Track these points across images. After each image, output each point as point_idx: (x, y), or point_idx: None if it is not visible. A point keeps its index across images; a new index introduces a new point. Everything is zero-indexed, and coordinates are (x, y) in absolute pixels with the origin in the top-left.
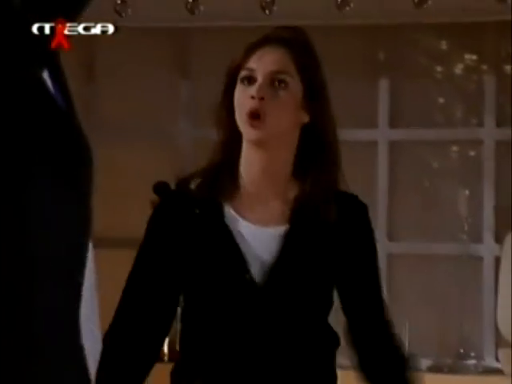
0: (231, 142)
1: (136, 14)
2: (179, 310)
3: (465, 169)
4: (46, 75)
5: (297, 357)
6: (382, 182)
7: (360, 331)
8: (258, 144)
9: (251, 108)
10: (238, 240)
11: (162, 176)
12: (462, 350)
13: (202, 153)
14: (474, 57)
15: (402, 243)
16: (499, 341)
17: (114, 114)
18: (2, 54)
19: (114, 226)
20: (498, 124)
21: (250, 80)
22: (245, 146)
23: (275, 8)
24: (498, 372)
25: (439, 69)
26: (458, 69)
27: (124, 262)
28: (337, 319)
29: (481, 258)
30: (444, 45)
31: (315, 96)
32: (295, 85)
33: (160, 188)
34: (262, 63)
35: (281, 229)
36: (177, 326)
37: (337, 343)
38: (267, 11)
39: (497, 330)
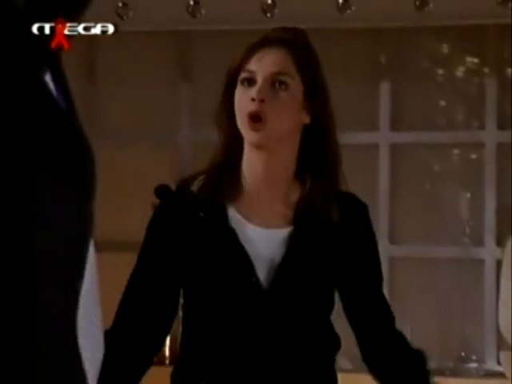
0: (232, 144)
1: (137, 17)
2: (180, 311)
3: (466, 172)
4: (47, 77)
5: (300, 358)
6: (383, 185)
7: (366, 330)
8: (260, 146)
9: (251, 110)
10: (244, 242)
11: (163, 179)
12: (463, 353)
13: (204, 155)
14: (476, 60)
15: (403, 246)
16: (501, 344)
17: (114, 117)
18: (5, 55)
19: (114, 229)
20: (500, 127)
21: (250, 82)
22: (246, 147)
23: (276, 11)
24: (499, 375)
25: (440, 72)
26: (460, 72)
27: (125, 265)
28: (336, 319)
29: (482, 261)
30: (445, 48)
31: (316, 96)
32: (296, 86)
33: (161, 191)
34: (262, 65)
35: (285, 231)
36: (178, 328)
37: (338, 344)
38: (268, 14)
39: (498, 332)
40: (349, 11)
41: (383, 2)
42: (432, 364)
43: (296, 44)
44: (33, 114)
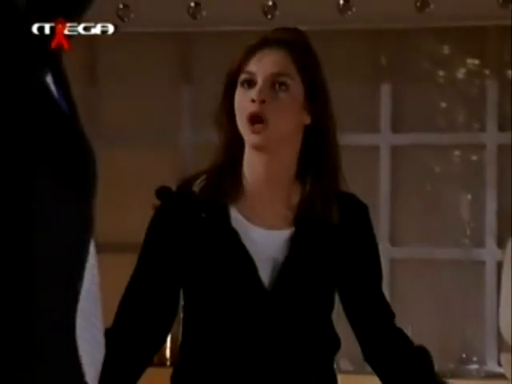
0: (233, 145)
1: (138, 19)
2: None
3: (467, 173)
4: (49, 79)
5: (302, 359)
6: (384, 187)
7: (367, 329)
8: (260, 148)
9: (252, 111)
10: (246, 244)
11: (164, 180)
12: (464, 355)
13: (204, 157)
14: (477, 61)
15: (404, 248)
16: (501, 345)
17: (115, 118)
18: (6, 56)
19: (115, 231)
20: (500, 128)
21: (250, 83)
22: (247, 149)
23: (277, 13)
24: (500, 377)
25: (441, 73)
26: (460, 73)
27: (125, 266)
28: (336, 320)
29: (483, 263)
30: (446, 49)
31: (316, 96)
32: (296, 86)
33: (162, 192)
34: (262, 66)
35: (286, 233)
36: (179, 329)
37: (338, 344)
38: (269, 16)
39: (499, 334)
40: (349, 12)
41: (384, 3)
42: None
43: (296, 44)
44: (34, 117)
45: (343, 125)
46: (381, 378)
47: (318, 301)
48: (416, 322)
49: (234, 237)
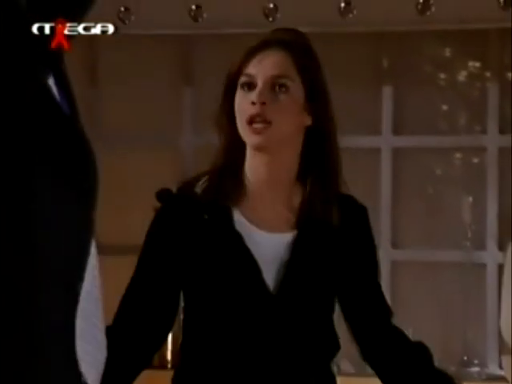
0: (234, 147)
1: (139, 21)
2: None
3: (468, 176)
4: (51, 81)
5: (304, 359)
6: (385, 189)
7: (365, 329)
8: (261, 149)
9: (252, 114)
10: (250, 246)
11: (164, 182)
12: (465, 358)
13: (205, 159)
14: (478, 64)
15: (405, 250)
16: (502, 348)
17: (116, 120)
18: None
19: (115, 233)
20: (501, 131)
21: (250, 86)
22: (248, 150)
23: (278, 15)
24: (501, 379)
25: (442, 76)
26: (462, 76)
27: (126, 268)
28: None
29: (484, 265)
30: (447, 52)
31: (317, 97)
32: (296, 88)
33: (163, 194)
34: (262, 67)
35: (289, 236)
36: (180, 331)
37: (339, 345)
38: (270, 18)
39: (500, 337)
40: (351, 15)
41: (385, 6)
42: None
43: (296, 46)
44: (35, 118)
45: (345, 127)
46: (380, 377)
47: (321, 303)
48: (417, 324)
49: (237, 239)
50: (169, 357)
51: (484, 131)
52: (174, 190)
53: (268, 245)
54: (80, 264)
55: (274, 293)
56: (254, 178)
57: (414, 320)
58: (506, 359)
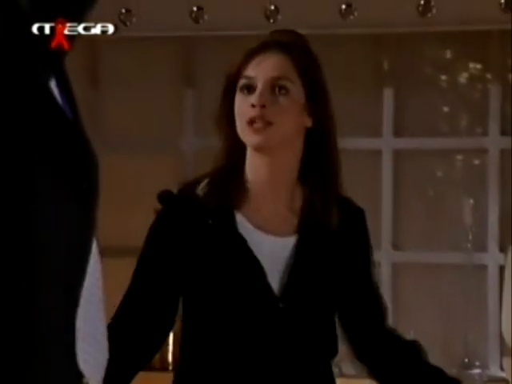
0: (234, 148)
1: (141, 23)
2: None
3: (469, 178)
4: (52, 84)
5: (306, 361)
6: (386, 191)
7: (358, 329)
8: (261, 149)
9: (252, 116)
10: (254, 250)
11: (166, 184)
12: (466, 360)
13: (207, 161)
14: (479, 66)
15: (406, 252)
16: (504, 350)
17: (117, 122)
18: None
19: (116, 235)
20: (503, 133)
21: (250, 89)
22: (249, 152)
23: (279, 17)
24: (502, 381)
25: (443, 78)
26: (463, 78)
27: (127, 270)
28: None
29: (485, 267)
30: (448, 54)
31: (317, 98)
32: (296, 89)
33: (164, 197)
34: (262, 70)
35: (292, 238)
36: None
37: (337, 348)
38: (271, 20)
39: (501, 338)
40: (351, 17)
41: (386, 7)
42: None
43: (295, 47)
44: (36, 119)
45: (345, 129)
46: (376, 376)
47: (325, 305)
48: (418, 326)
49: (241, 243)
50: (170, 359)
51: (485, 133)
52: (175, 191)
53: (271, 248)
54: (80, 264)
55: (279, 295)
56: (255, 180)
57: (414, 322)
58: (507, 361)
